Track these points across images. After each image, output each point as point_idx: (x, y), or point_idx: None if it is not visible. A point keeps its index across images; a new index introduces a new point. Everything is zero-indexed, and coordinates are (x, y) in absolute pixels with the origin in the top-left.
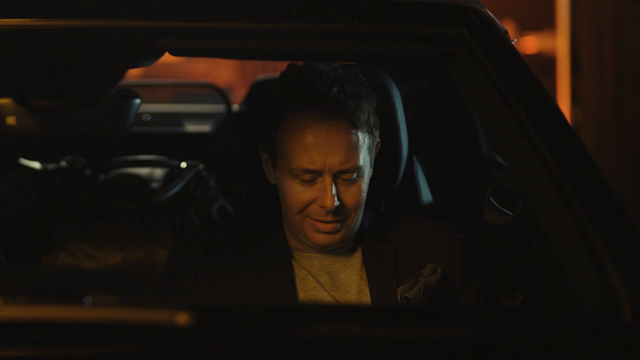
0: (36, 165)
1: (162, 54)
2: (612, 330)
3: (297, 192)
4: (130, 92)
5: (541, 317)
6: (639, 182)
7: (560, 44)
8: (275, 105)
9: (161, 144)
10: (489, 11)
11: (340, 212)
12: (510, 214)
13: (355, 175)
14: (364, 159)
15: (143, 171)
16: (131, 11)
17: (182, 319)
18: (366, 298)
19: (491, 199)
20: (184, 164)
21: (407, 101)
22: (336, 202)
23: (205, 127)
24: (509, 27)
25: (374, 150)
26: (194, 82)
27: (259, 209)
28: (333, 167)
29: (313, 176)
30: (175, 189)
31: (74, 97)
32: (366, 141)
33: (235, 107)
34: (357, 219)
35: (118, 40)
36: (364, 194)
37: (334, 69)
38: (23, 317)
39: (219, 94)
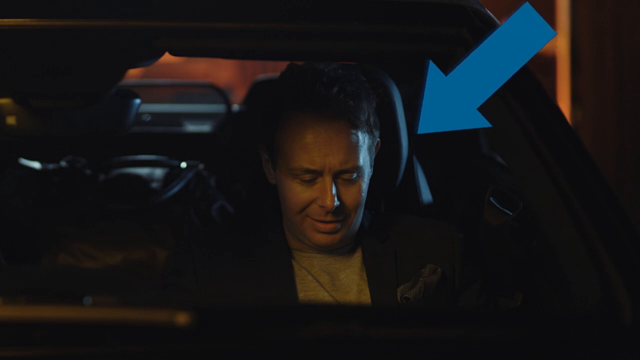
0: (36, 165)
1: (162, 54)
2: (612, 330)
3: (297, 192)
4: (130, 92)
5: (541, 317)
6: (639, 182)
7: (560, 44)
8: (275, 105)
9: (161, 144)
10: (489, 11)
11: (340, 212)
12: (510, 214)
13: (355, 175)
14: (364, 159)
15: (143, 171)
16: (131, 11)
17: (182, 319)
18: (366, 298)
19: (491, 199)
20: (184, 164)
21: (407, 101)
22: (336, 202)
23: (205, 127)
24: None
25: (374, 150)
26: (194, 82)
27: (259, 209)
28: (333, 167)
29: (313, 176)
30: (175, 189)
31: (74, 97)
32: (366, 141)
33: (235, 107)
34: (357, 219)
35: (118, 40)
36: (364, 194)
37: (334, 69)
38: (23, 317)
39: (219, 94)
